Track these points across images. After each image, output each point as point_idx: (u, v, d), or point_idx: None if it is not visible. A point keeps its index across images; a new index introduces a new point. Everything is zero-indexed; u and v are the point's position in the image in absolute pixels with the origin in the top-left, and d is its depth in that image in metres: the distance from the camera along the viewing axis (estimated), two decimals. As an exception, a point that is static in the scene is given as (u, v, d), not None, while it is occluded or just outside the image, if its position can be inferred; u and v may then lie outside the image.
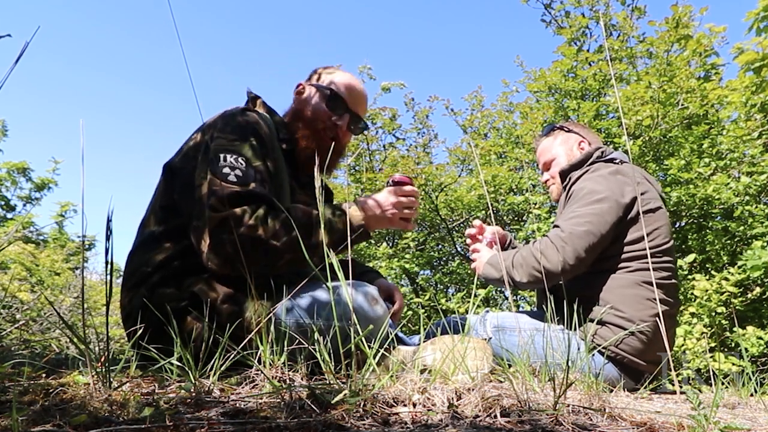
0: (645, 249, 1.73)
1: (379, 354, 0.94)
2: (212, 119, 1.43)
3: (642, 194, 1.79)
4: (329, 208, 1.35)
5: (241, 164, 1.28)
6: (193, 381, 0.89)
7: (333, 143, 1.51)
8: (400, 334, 1.56)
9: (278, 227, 1.24)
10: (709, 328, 3.30)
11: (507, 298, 5.36)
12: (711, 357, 3.15)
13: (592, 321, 1.68)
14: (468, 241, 2.06)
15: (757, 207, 3.61)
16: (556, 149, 2.08)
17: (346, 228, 1.31)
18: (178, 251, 1.32)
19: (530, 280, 1.75)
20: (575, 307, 1.67)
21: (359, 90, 1.64)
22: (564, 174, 1.98)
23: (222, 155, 1.28)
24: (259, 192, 1.26)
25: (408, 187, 1.43)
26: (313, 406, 0.78)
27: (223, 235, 1.21)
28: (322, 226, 1.12)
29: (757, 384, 1.42)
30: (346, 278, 1.14)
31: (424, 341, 1.29)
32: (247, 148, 1.32)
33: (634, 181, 1.80)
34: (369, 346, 0.92)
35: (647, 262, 1.72)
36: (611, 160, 1.93)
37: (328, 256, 0.99)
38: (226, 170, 1.25)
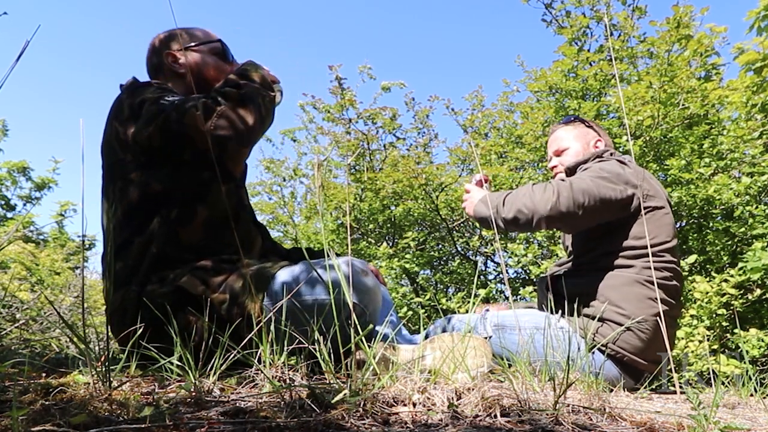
0: (646, 247, 1.72)
1: (378, 339, 0.94)
2: (117, 101, 1.45)
3: (645, 192, 1.79)
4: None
5: (176, 94, 1.38)
6: (193, 380, 0.89)
7: None
8: (404, 331, 1.56)
9: (232, 86, 1.35)
10: (711, 331, 3.29)
11: (507, 299, 5.36)
12: (714, 359, 3.14)
13: (592, 318, 1.68)
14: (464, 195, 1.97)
15: (757, 207, 3.61)
16: (572, 140, 2.06)
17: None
18: (147, 240, 1.33)
19: (516, 215, 1.71)
20: (576, 305, 1.67)
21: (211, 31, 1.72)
22: (571, 170, 1.98)
23: (160, 99, 1.34)
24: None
25: None
26: (313, 405, 0.78)
27: (218, 118, 1.27)
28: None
29: (757, 384, 1.42)
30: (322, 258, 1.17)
31: (423, 341, 1.29)
32: (160, 90, 1.40)
33: (640, 177, 1.80)
34: (369, 346, 0.92)
35: (649, 261, 1.72)
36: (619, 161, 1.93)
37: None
38: (174, 98, 1.34)
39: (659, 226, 1.79)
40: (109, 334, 1.31)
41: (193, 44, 1.56)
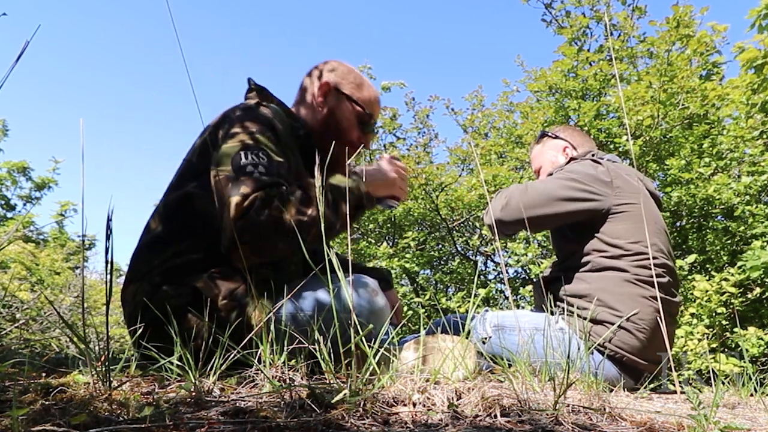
0: (632, 247, 1.72)
1: (380, 353, 0.94)
2: (226, 114, 1.39)
3: (617, 190, 1.77)
4: (339, 177, 1.35)
5: (263, 159, 1.26)
6: (194, 380, 0.89)
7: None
8: None
9: (302, 202, 1.24)
10: (710, 329, 3.30)
11: (507, 298, 5.36)
12: (713, 358, 3.14)
13: (589, 320, 1.68)
14: None
15: (757, 207, 3.61)
16: (543, 156, 2.12)
17: (362, 193, 1.35)
18: (180, 249, 1.32)
19: (488, 222, 1.84)
20: (573, 306, 1.67)
21: (379, 103, 1.63)
22: None
23: (243, 152, 1.25)
24: (282, 179, 1.26)
25: (400, 162, 1.51)
26: (313, 405, 0.78)
27: (251, 224, 1.19)
28: (347, 193, 1.21)
29: (757, 384, 1.42)
30: (346, 275, 1.15)
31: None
32: (267, 143, 1.31)
33: (613, 174, 1.79)
34: (370, 346, 0.92)
35: (638, 260, 1.71)
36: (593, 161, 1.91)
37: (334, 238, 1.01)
38: (250, 168, 1.23)
39: (637, 223, 1.76)
40: (109, 333, 1.31)
41: (349, 93, 1.53)
